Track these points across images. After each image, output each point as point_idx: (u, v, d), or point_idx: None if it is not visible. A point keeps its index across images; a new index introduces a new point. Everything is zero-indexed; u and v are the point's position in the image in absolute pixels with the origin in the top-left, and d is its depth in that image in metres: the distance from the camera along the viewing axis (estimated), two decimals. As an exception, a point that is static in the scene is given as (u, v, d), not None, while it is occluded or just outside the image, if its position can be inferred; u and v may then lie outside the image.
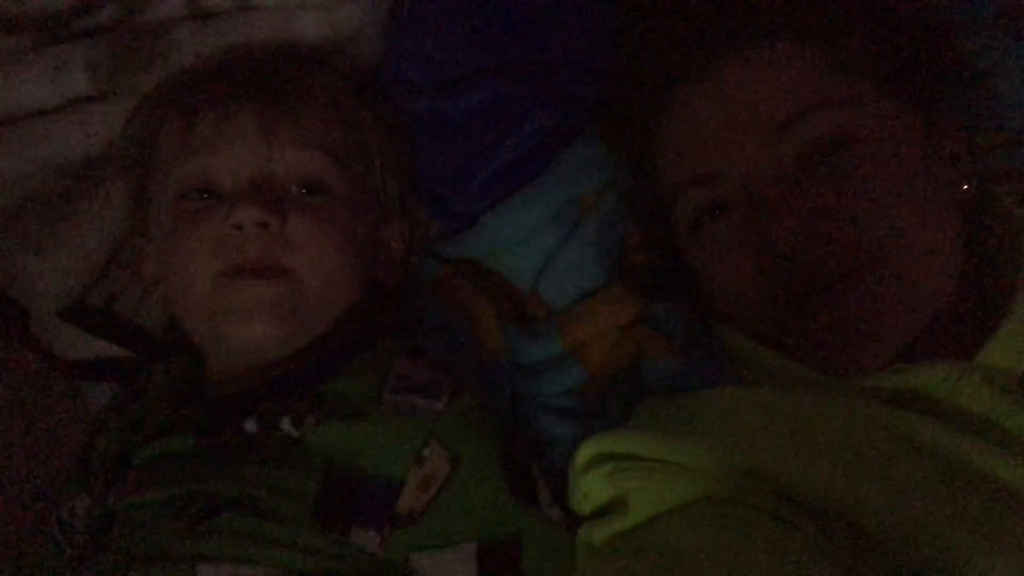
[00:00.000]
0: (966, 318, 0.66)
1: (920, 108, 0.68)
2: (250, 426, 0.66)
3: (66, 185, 0.79)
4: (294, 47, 0.77)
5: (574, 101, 0.79)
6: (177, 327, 0.79)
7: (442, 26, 0.78)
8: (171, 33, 0.75)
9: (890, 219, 0.63)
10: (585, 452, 0.63)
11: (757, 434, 0.61)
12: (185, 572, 0.60)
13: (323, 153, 0.71)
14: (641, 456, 0.60)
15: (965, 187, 0.69)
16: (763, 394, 0.64)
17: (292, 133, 0.70)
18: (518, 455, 0.67)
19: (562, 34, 0.78)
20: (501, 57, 0.77)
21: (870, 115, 0.65)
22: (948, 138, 0.69)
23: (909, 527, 0.56)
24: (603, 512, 0.62)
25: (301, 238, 0.68)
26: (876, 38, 0.67)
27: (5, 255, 0.79)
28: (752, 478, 0.59)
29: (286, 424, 0.65)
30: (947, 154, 0.68)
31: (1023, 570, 0.54)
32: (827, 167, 0.64)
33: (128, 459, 0.69)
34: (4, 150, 0.77)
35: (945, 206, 0.66)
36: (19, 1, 0.75)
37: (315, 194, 0.70)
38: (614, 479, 0.61)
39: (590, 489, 0.62)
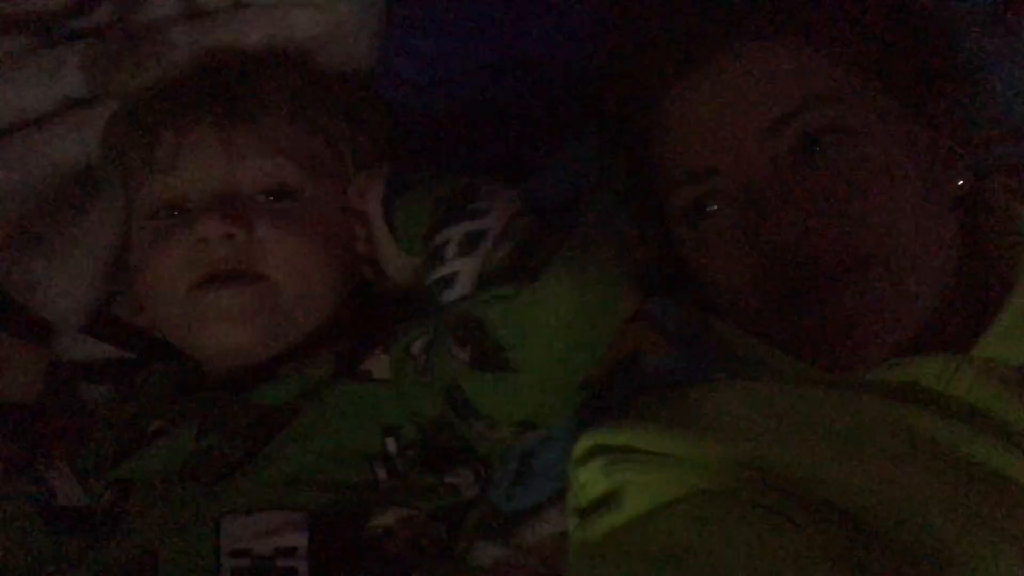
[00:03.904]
0: (962, 311, 0.66)
1: (915, 103, 0.68)
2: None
3: (70, 191, 0.80)
4: (248, 53, 0.77)
5: (569, 98, 0.79)
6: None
7: (436, 23, 0.78)
8: (166, 32, 0.76)
9: (884, 215, 0.63)
10: (583, 444, 0.63)
11: (755, 427, 0.61)
12: (209, 533, 0.62)
13: (286, 158, 0.71)
14: (638, 448, 0.60)
15: (960, 183, 0.69)
16: (760, 388, 0.64)
17: (251, 142, 0.70)
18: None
19: (556, 31, 0.78)
20: (495, 54, 0.78)
21: (864, 110, 0.65)
22: (943, 133, 0.69)
23: (907, 518, 0.56)
24: (600, 505, 0.62)
25: (271, 245, 0.69)
26: (871, 33, 0.68)
27: (17, 262, 0.80)
28: (749, 471, 0.59)
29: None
30: (942, 149, 0.68)
31: (1022, 560, 0.54)
32: (821, 162, 0.64)
33: (135, 441, 0.70)
34: (5, 160, 0.78)
35: (940, 201, 0.66)
36: (14, 1, 0.75)
37: (282, 199, 0.71)
38: (610, 471, 0.60)
39: (587, 480, 0.62)
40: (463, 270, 0.58)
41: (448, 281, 0.58)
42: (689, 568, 0.54)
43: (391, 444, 0.65)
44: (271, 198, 0.70)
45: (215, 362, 0.72)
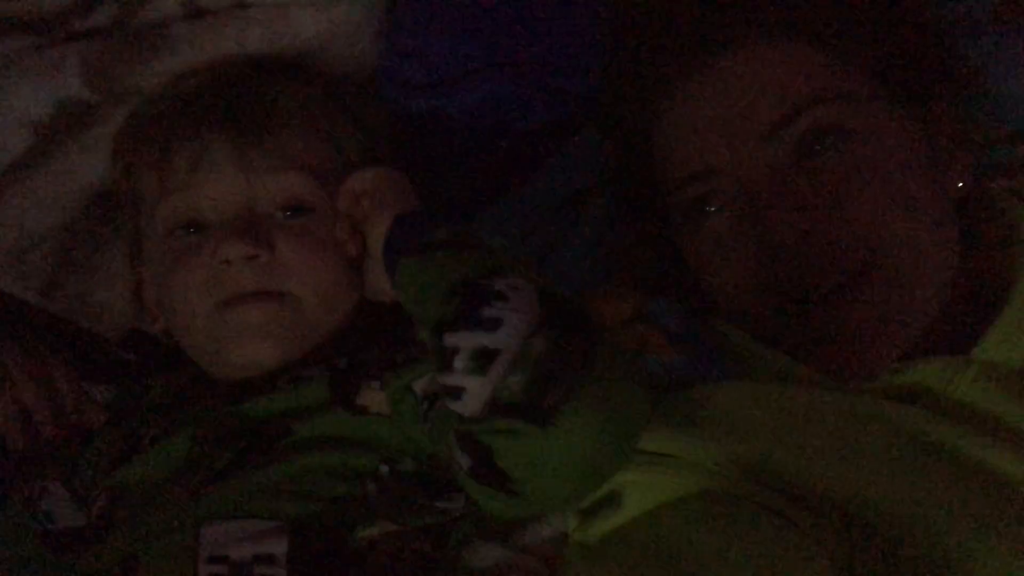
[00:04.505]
0: (963, 313, 0.67)
1: (915, 105, 0.68)
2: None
3: (100, 208, 0.80)
4: (261, 62, 0.77)
5: (571, 98, 0.80)
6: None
7: (439, 24, 0.78)
8: (167, 31, 0.75)
9: (884, 217, 0.63)
10: (584, 444, 0.63)
11: (757, 428, 0.61)
12: (189, 539, 0.62)
13: (302, 172, 0.71)
14: (640, 449, 0.60)
15: (960, 184, 0.69)
16: (763, 389, 0.64)
17: (268, 158, 0.70)
18: None
19: (559, 31, 0.78)
20: (498, 55, 0.78)
21: (865, 112, 0.65)
22: (943, 135, 0.69)
23: (909, 519, 0.56)
24: (600, 505, 0.61)
25: (291, 262, 0.69)
26: (871, 35, 0.68)
27: (65, 284, 0.80)
28: (750, 472, 0.59)
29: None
30: (942, 150, 0.68)
31: (1021, 559, 0.54)
32: (821, 164, 0.64)
33: (130, 450, 0.70)
34: (33, 195, 0.78)
35: (939, 203, 0.66)
36: (15, 1, 0.75)
37: (300, 215, 0.71)
38: None
39: (587, 480, 0.62)
40: (472, 389, 0.54)
41: (455, 394, 0.55)
42: (689, 568, 0.54)
43: (384, 469, 0.65)
44: (288, 213, 0.71)
45: (233, 375, 0.72)
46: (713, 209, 0.67)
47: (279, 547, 0.61)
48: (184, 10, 0.76)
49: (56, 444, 0.73)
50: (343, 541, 0.63)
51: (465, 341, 0.54)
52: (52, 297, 0.80)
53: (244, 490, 0.64)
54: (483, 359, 0.54)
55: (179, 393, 0.76)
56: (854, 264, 0.63)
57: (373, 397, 0.67)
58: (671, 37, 0.69)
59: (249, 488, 0.64)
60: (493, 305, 0.55)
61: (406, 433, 0.65)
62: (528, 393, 0.53)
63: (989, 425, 0.61)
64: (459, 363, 0.54)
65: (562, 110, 0.79)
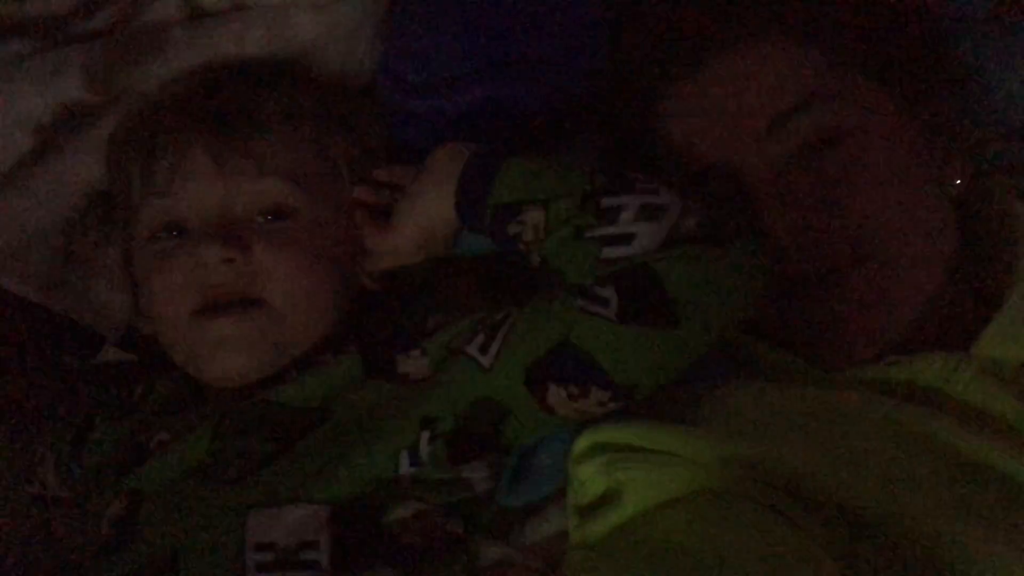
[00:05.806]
0: (962, 310, 0.67)
1: (912, 103, 0.68)
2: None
3: (100, 208, 0.81)
4: (246, 66, 0.77)
5: (570, 99, 0.80)
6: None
7: (438, 25, 0.78)
8: (167, 32, 0.76)
9: (880, 213, 0.63)
10: (583, 441, 0.63)
11: (757, 427, 0.61)
12: (235, 526, 0.63)
13: (283, 178, 0.71)
14: (640, 447, 0.60)
15: (957, 181, 0.69)
16: (763, 387, 0.64)
17: (247, 164, 0.71)
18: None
19: (558, 32, 0.78)
20: (497, 56, 0.78)
21: (861, 110, 0.66)
22: (940, 133, 0.69)
23: (908, 518, 0.56)
24: (599, 504, 0.62)
25: (269, 267, 0.69)
26: (868, 34, 0.68)
27: (65, 283, 0.81)
28: (751, 471, 0.59)
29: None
30: (939, 149, 0.69)
31: (1021, 558, 0.55)
32: (819, 162, 0.64)
33: (137, 454, 0.71)
34: (33, 194, 0.78)
35: (936, 200, 0.67)
36: (18, 4, 0.75)
37: (280, 219, 0.71)
38: (610, 469, 0.60)
39: (587, 479, 0.62)
40: (645, 232, 0.61)
41: (622, 239, 0.61)
42: (689, 567, 0.54)
43: (425, 436, 0.65)
44: (268, 218, 0.71)
45: (211, 383, 0.73)
46: (713, 207, 0.67)
47: (322, 532, 0.62)
48: (184, 12, 0.76)
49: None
50: (379, 523, 0.64)
51: (629, 200, 0.62)
52: (53, 295, 0.81)
53: (287, 477, 0.64)
54: (652, 210, 0.61)
55: (180, 394, 0.76)
56: (847, 256, 0.63)
57: (413, 364, 0.69)
58: (670, 37, 0.70)
59: (292, 475, 0.64)
60: (640, 179, 0.63)
61: (449, 385, 0.66)
62: (704, 228, 0.61)
63: (989, 422, 0.61)
64: (627, 215, 0.61)
65: (561, 111, 0.79)
